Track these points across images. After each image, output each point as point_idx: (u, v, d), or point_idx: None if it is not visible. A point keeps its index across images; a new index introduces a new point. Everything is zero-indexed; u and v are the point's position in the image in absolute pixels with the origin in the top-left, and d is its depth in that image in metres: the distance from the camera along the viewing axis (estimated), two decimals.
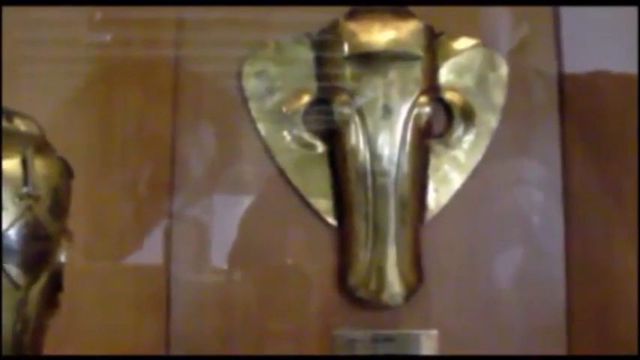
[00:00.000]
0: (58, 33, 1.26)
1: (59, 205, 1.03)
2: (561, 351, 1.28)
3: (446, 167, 1.27)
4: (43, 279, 0.99)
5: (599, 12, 1.30)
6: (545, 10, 1.32)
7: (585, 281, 1.28)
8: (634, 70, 1.29)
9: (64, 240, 1.03)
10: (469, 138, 1.27)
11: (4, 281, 0.96)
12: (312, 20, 1.29)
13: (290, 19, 1.30)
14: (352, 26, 1.24)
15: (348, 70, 1.23)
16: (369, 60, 1.23)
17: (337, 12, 1.27)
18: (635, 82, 1.28)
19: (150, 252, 1.26)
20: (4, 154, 0.98)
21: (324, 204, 1.26)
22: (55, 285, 1.02)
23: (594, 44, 1.30)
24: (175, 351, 1.24)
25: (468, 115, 1.27)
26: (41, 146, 1.04)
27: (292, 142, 1.26)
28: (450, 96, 1.28)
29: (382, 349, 1.24)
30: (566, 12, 1.31)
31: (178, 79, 1.29)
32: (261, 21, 1.31)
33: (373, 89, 1.22)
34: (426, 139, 1.26)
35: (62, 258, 1.02)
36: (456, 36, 1.29)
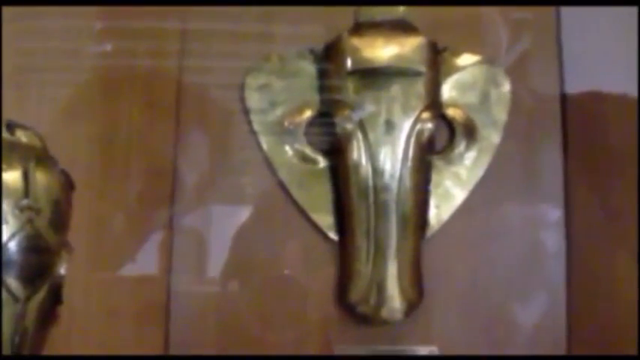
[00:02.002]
0: (61, 44, 1.27)
1: (60, 218, 1.03)
2: None
3: (447, 183, 1.27)
4: (42, 292, 0.99)
5: (602, 30, 1.30)
6: (548, 28, 1.32)
7: (587, 300, 1.27)
8: (635, 88, 1.29)
9: (64, 253, 1.03)
10: (471, 154, 1.27)
11: (3, 293, 0.96)
12: (316, 34, 1.29)
13: (294, 32, 1.30)
14: (355, 41, 1.24)
15: (350, 85, 1.23)
16: (372, 75, 1.22)
17: (341, 27, 1.27)
18: (635, 102, 1.29)
19: (150, 264, 1.26)
20: (5, 165, 0.98)
21: (325, 219, 1.25)
22: (55, 298, 1.02)
23: (596, 63, 1.30)
24: None
25: (470, 132, 1.27)
26: (43, 158, 1.04)
27: (294, 156, 1.26)
28: (452, 112, 1.27)
29: None
30: (569, 30, 1.31)
31: (181, 91, 1.28)
32: (264, 33, 1.31)
33: (376, 104, 1.22)
34: (428, 155, 1.25)
35: (62, 271, 1.02)
36: (459, 52, 1.29)
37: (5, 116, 1.06)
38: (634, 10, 1.29)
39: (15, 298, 0.96)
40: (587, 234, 1.28)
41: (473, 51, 1.29)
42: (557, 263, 1.28)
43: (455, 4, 1.29)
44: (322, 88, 1.27)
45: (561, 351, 1.27)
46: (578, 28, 1.31)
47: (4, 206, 0.97)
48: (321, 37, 1.28)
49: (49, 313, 1.02)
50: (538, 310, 1.28)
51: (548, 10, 1.32)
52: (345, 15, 1.27)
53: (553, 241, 1.28)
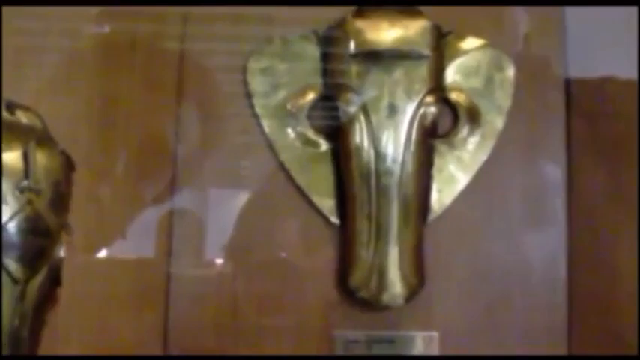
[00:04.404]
0: (63, 25, 1.26)
1: (60, 200, 1.02)
2: (562, 353, 1.27)
3: (450, 168, 1.26)
4: (41, 274, 0.98)
5: (606, 15, 1.30)
6: (553, 13, 1.31)
7: (588, 284, 1.28)
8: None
9: (64, 235, 1.02)
10: (474, 139, 1.27)
11: (3, 275, 0.95)
12: (319, 17, 1.28)
13: (297, 15, 1.29)
14: (360, 24, 1.23)
15: (354, 68, 1.22)
16: (376, 58, 1.22)
17: (345, 10, 1.26)
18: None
19: (150, 246, 1.26)
20: (5, 146, 0.97)
21: (326, 202, 1.25)
22: (54, 280, 1.01)
23: (601, 48, 1.30)
24: (173, 344, 1.24)
25: (474, 116, 1.27)
26: (43, 139, 1.03)
27: (296, 139, 1.26)
28: (455, 96, 1.27)
29: (382, 351, 1.24)
30: (573, 15, 1.31)
31: (183, 73, 1.28)
32: (267, 16, 1.30)
33: (379, 87, 1.22)
34: (431, 139, 1.25)
35: (62, 253, 1.01)
36: (463, 36, 1.28)
37: (5, 96, 1.05)
38: None
39: (14, 280, 0.96)
40: (591, 217, 1.28)
41: (478, 35, 1.29)
42: (560, 247, 1.28)
43: (460, 3, 1.28)
44: (325, 71, 1.26)
45: (562, 335, 1.27)
46: (582, 13, 1.30)
47: (4, 187, 0.96)
48: (324, 19, 1.27)
49: (48, 296, 1.01)
50: (539, 294, 1.28)
51: None
52: None
53: (555, 226, 1.28)
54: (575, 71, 1.30)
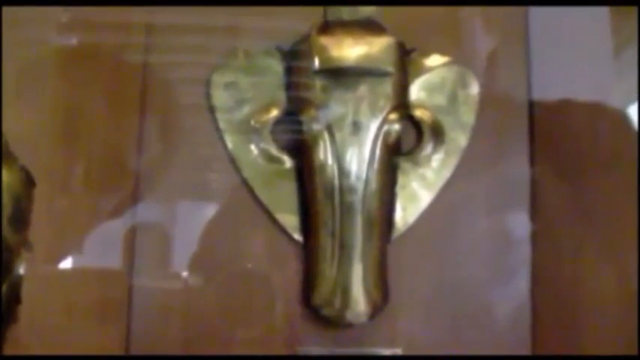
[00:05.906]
0: (23, 34, 1.24)
1: (20, 216, 1.01)
2: None
3: (414, 185, 1.26)
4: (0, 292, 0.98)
5: (570, 35, 1.31)
6: (517, 31, 1.31)
7: (552, 301, 1.28)
8: (603, 93, 1.30)
9: (23, 251, 1.01)
10: (438, 156, 1.27)
11: None
12: (285, 29, 1.28)
13: (264, 26, 1.28)
14: (323, 40, 1.23)
15: (318, 85, 1.22)
16: (340, 75, 1.21)
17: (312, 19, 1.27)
18: (602, 107, 1.30)
19: (112, 260, 1.24)
20: None
21: (290, 219, 1.24)
22: (14, 298, 1.00)
23: (565, 67, 1.30)
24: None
25: (438, 134, 1.27)
26: (3, 154, 1.02)
27: (259, 155, 1.25)
28: (420, 113, 1.27)
29: None
30: (536, 34, 1.31)
31: (146, 86, 1.27)
32: (233, 28, 1.29)
33: (343, 104, 1.21)
34: (395, 157, 1.25)
35: (21, 270, 1.00)
36: (428, 53, 1.28)
37: None
38: (604, 11, 1.30)
39: None
40: (555, 235, 1.28)
41: (442, 51, 1.29)
42: (524, 265, 1.28)
43: (423, 3, 1.28)
44: (289, 87, 1.26)
45: (525, 351, 1.27)
46: (547, 32, 1.31)
47: None
48: (291, 32, 1.27)
49: (8, 314, 1.01)
50: (504, 312, 1.28)
51: (517, 14, 1.32)
52: (315, 10, 1.27)
53: (519, 243, 1.28)
54: (538, 90, 1.30)
